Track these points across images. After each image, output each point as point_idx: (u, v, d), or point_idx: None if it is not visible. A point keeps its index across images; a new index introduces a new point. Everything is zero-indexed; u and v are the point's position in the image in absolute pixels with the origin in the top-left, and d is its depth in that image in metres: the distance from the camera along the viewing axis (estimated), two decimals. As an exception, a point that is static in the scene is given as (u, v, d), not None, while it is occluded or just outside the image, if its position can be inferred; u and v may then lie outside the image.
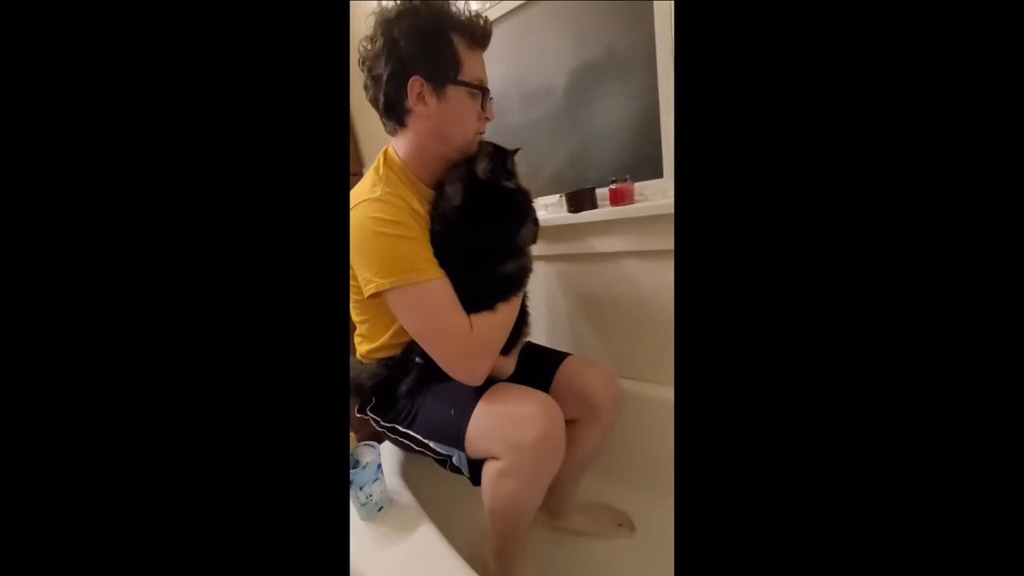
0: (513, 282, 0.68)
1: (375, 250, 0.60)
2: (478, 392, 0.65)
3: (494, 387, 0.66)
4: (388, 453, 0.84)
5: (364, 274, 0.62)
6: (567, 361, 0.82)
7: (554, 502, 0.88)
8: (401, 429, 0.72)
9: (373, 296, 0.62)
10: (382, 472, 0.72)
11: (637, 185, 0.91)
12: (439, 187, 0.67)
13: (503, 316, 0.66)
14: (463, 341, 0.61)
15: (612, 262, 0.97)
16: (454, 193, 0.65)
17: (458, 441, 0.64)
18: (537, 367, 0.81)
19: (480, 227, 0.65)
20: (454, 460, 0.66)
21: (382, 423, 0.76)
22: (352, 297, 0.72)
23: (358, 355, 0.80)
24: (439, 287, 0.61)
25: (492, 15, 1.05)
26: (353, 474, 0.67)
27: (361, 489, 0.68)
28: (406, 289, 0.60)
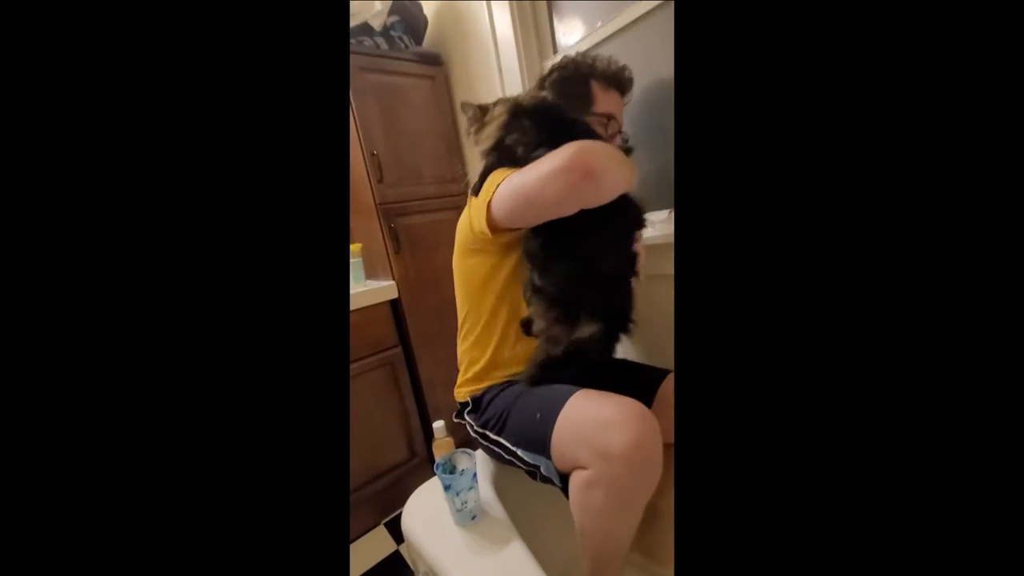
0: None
1: (477, 201, 0.67)
2: (565, 396, 0.62)
3: (580, 392, 0.62)
4: (482, 462, 0.85)
5: (478, 218, 0.67)
6: (672, 377, 0.76)
7: (652, 541, 0.81)
8: (491, 436, 0.72)
9: (490, 228, 0.65)
10: (477, 481, 0.73)
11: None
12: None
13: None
14: (560, 155, 0.58)
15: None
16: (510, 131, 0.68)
17: (543, 448, 0.62)
18: (633, 383, 0.75)
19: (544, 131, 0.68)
20: (543, 470, 0.64)
21: (475, 427, 0.77)
22: (458, 288, 0.80)
23: (459, 356, 0.82)
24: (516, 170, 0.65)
25: (602, 33, 1.06)
26: (450, 479, 0.69)
27: (457, 495, 0.70)
28: (500, 189, 0.63)
